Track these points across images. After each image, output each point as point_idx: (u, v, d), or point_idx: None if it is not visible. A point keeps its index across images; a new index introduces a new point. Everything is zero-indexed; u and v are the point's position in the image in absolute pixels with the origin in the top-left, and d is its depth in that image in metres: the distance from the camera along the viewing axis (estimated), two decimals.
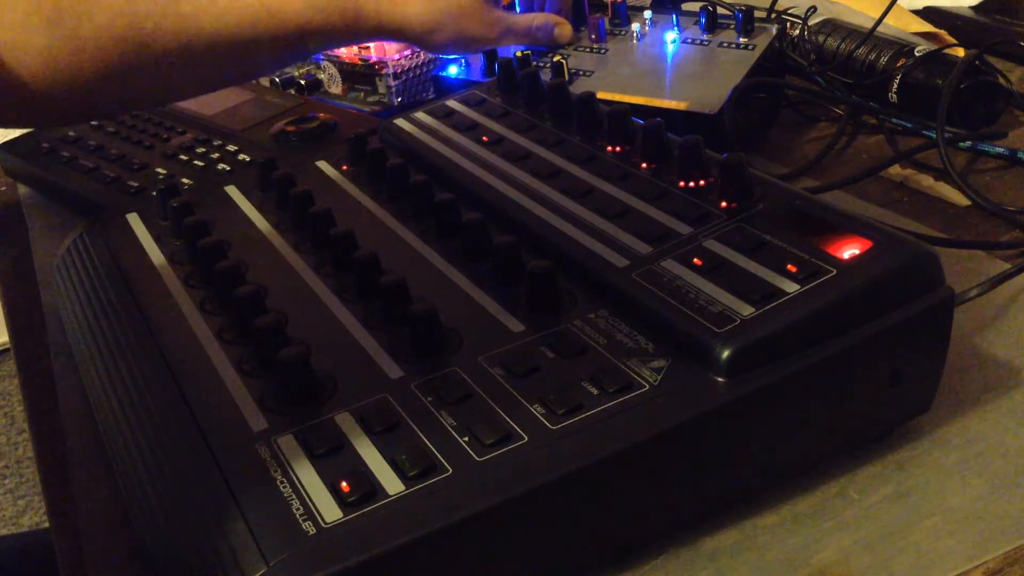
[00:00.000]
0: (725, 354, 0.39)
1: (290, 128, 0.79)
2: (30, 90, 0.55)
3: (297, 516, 0.35)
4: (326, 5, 0.62)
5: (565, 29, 0.81)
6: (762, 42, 0.77)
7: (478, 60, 0.83)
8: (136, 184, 0.75)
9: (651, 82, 0.76)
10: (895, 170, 0.73)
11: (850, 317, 0.41)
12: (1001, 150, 0.74)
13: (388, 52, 0.90)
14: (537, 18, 0.80)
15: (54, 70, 0.55)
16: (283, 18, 0.59)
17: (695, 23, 0.80)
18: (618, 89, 0.75)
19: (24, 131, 0.88)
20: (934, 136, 0.73)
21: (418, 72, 0.92)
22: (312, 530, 0.34)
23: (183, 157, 0.78)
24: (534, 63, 0.76)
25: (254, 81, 1.02)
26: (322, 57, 0.94)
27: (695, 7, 0.82)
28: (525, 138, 0.60)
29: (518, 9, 0.86)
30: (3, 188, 0.88)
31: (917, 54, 0.81)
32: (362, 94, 0.93)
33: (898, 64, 0.82)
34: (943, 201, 0.69)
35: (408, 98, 0.91)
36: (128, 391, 0.46)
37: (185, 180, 0.74)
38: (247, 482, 0.37)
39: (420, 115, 0.66)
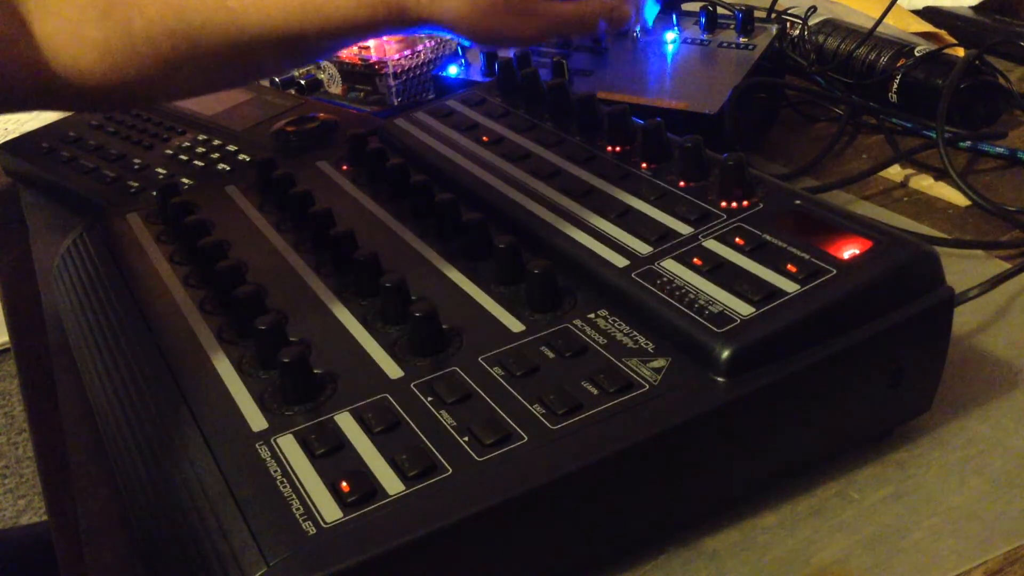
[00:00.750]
0: (725, 354, 0.39)
1: (290, 128, 0.79)
2: (87, 81, 0.57)
3: (297, 516, 0.35)
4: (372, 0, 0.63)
5: (624, 10, 0.71)
6: (762, 42, 0.77)
7: (478, 60, 0.83)
8: (136, 184, 0.75)
9: (651, 82, 0.76)
10: (895, 170, 0.73)
11: (850, 317, 0.41)
12: (1001, 150, 0.74)
13: (388, 52, 0.90)
14: (590, 3, 0.70)
15: (110, 63, 0.57)
16: (329, 13, 0.60)
17: (695, 23, 0.80)
18: (618, 89, 0.75)
19: (24, 131, 0.88)
20: (934, 136, 0.73)
21: (418, 72, 0.92)
22: (312, 530, 0.34)
23: (183, 157, 0.78)
24: (534, 63, 0.76)
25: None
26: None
27: (695, 7, 0.82)
28: (525, 138, 0.60)
29: None
30: (3, 188, 0.88)
31: (917, 54, 0.81)
32: (362, 94, 0.93)
33: (898, 64, 0.82)
34: (943, 201, 0.69)
35: (408, 98, 0.91)
36: (128, 391, 0.46)
37: (185, 180, 0.74)
38: (247, 482, 0.37)
39: (420, 115, 0.66)
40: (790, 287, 0.41)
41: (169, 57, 0.58)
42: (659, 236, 0.47)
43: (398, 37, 0.93)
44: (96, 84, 0.57)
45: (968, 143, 0.76)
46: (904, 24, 0.95)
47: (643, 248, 0.46)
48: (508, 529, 0.36)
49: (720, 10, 0.83)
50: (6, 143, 0.88)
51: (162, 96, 0.69)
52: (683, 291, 0.43)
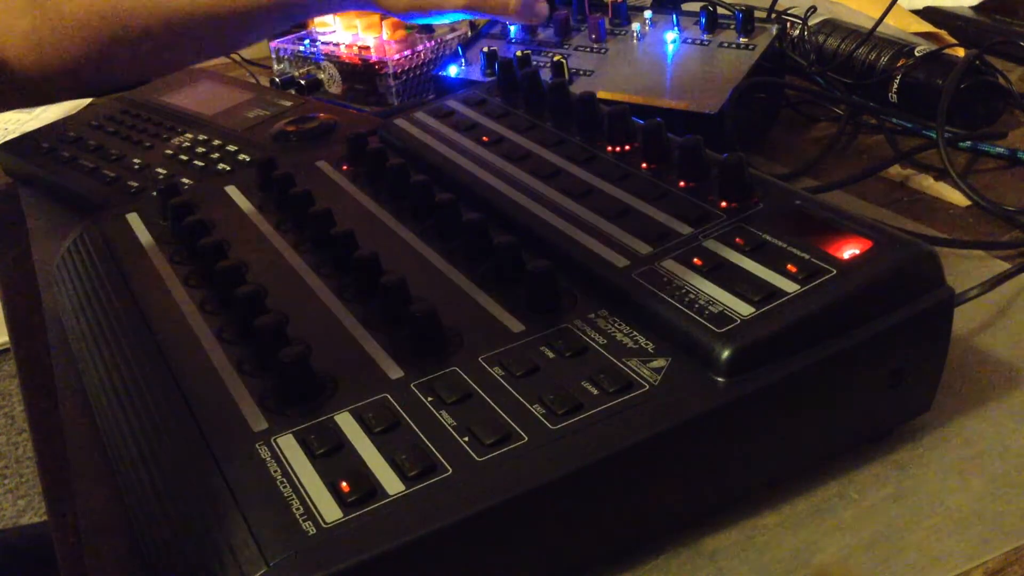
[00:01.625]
0: (725, 354, 0.39)
1: (290, 128, 0.79)
2: (18, 72, 0.56)
3: (297, 516, 0.35)
4: None
5: (542, 6, 0.71)
6: (762, 42, 0.77)
7: (478, 60, 0.83)
8: (136, 184, 0.75)
9: (651, 82, 0.76)
10: (895, 170, 0.73)
11: (850, 317, 0.41)
12: (1001, 150, 0.74)
13: (388, 52, 0.90)
14: None
15: (40, 51, 0.56)
16: None
17: (695, 23, 0.81)
18: (618, 89, 0.75)
19: (24, 131, 0.88)
20: (934, 136, 0.73)
21: (418, 72, 0.92)
22: (312, 530, 0.34)
23: (183, 157, 0.78)
24: (534, 63, 0.76)
25: (254, 81, 1.02)
26: (322, 57, 0.94)
27: (695, 7, 0.82)
28: (525, 138, 0.60)
29: None
30: (3, 188, 0.88)
31: (917, 54, 0.81)
32: (362, 94, 0.93)
33: (898, 64, 0.82)
34: (943, 201, 0.69)
35: (408, 98, 0.91)
36: (128, 391, 0.46)
37: (185, 180, 0.74)
38: (247, 482, 0.37)
39: (420, 115, 0.66)
40: (790, 287, 0.41)
41: (100, 42, 0.57)
42: (659, 236, 0.47)
43: (398, 37, 0.93)
44: (29, 74, 0.56)
45: (968, 143, 0.76)
46: (904, 24, 0.95)
47: (643, 248, 0.46)
48: (508, 529, 0.36)
49: (720, 10, 0.83)
50: (6, 143, 0.88)
51: (96, 85, 0.68)
52: (683, 291, 0.43)
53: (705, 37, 0.79)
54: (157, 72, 0.69)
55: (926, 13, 1.02)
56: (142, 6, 0.57)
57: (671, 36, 0.80)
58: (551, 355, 0.42)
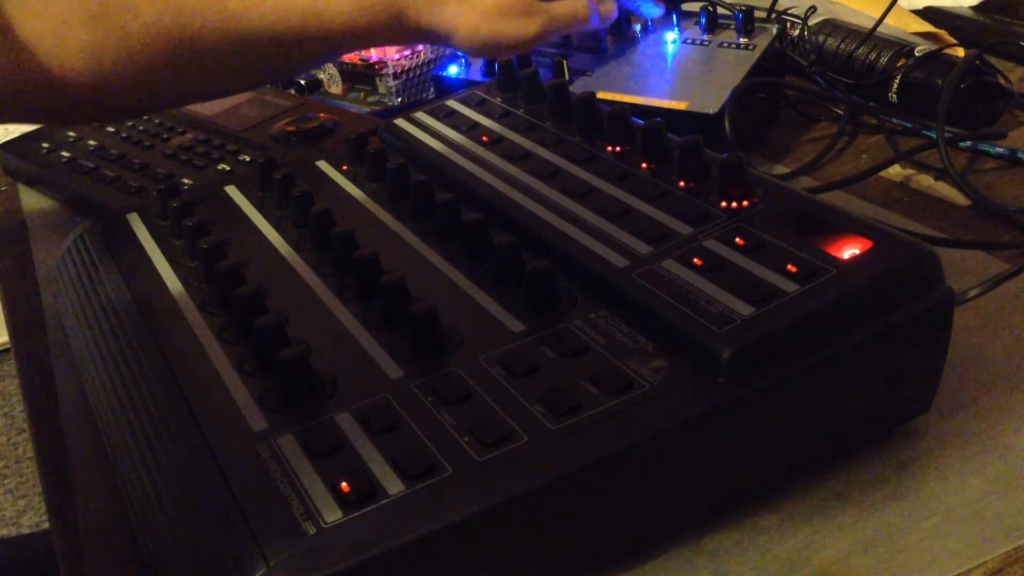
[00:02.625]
0: (725, 354, 0.39)
1: (290, 128, 0.79)
2: (70, 86, 0.55)
3: (297, 516, 0.35)
4: (372, 6, 0.62)
5: (609, 5, 0.73)
6: (762, 42, 0.77)
7: (478, 60, 0.83)
8: (136, 184, 0.75)
9: (651, 82, 0.76)
10: (895, 170, 0.73)
11: (850, 317, 0.41)
12: (1001, 150, 0.74)
13: (388, 52, 0.90)
14: (578, 1, 0.71)
15: (99, 66, 0.55)
16: (330, 19, 0.60)
17: (695, 23, 0.81)
18: (618, 89, 0.75)
19: (26, 131, 0.88)
20: (934, 136, 0.73)
21: (418, 72, 0.92)
22: (312, 530, 0.34)
23: (183, 157, 0.78)
24: (534, 63, 0.76)
25: None
26: None
27: (695, 7, 0.82)
28: (525, 138, 0.60)
29: None
30: (3, 188, 0.88)
31: (917, 54, 0.81)
32: (362, 94, 0.93)
33: (898, 64, 0.82)
34: (943, 201, 0.69)
35: (408, 98, 0.91)
36: (128, 391, 0.46)
37: (185, 180, 0.74)
38: (247, 482, 0.37)
39: (420, 115, 0.66)
40: (790, 287, 0.41)
41: (162, 61, 0.56)
42: (659, 236, 0.47)
43: None
44: (85, 89, 0.55)
45: (968, 143, 0.76)
46: (904, 24, 0.95)
47: (643, 248, 0.46)
48: (508, 529, 0.36)
49: (720, 10, 0.83)
50: (6, 143, 0.88)
51: (156, 103, 0.67)
52: (683, 291, 0.43)
53: (705, 37, 0.79)
54: (220, 93, 0.69)
55: (926, 13, 1.02)
56: (211, 27, 0.56)
57: (671, 36, 0.80)
58: (551, 355, 0.42)
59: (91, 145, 0.83)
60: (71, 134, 0.85)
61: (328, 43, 0.62)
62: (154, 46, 0.55)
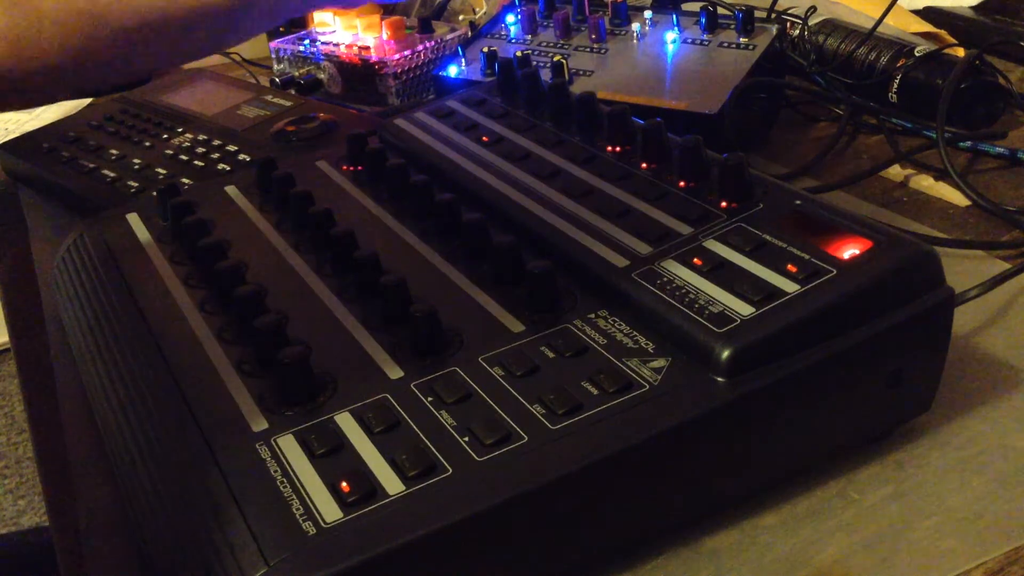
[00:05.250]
0: (725, 354, 0.39)
1: (290, 128, 0.79)
2: None
3: (297, 516, 0.35)
4: None
5: None
6: (762, 42, 0.77)
7: (478, 60, 0.83)
8: (136, 184, 0.75)
9: (651, 82, 0.76)
10: (895, 170, 0.73)
11: (850, 317, 0.41)
12: (1001, 150, 0.74)
13: (388, 52, 0.90)
14: None
15: (18, 50, 0.55)
16: None
17: (695, 23, 0.81)
18: (618, 89, 0.75)
19: (24, 131, 0.88)
20: (934, 136, 0.73)
21: (418, 72, 0.92)
22: (312, 530, 0.34)
23: (183, 157, 0.78)
24: (534, 63, 0.76)
25: (254, 81, 1.02)
26: (322, 57, 0.94)
27: (695, 7, 0.82)
28: (525, 138, 0.60)
29: None
30: (3, 188, 0.88)
31: (917, 54, 0.81)
32: (362, 94, 0.93)
33: (898, 64, 0.82)
34: (943, 201, 0.69)
35: (408, 98, 0.91)
36: (128, 391, 0.46)
37: (185, 180, 0.74)
38: (247, 482, 0.37)
39: (420, 115, 0.66)
40: (790, 287, 0.41)
41: (78, 40, 0.56)
42: (659, 236, 0.47)
43: (398, 37, 0.93)
44: (6, 75, 0.55)
45: (968, 143, 0.76)
46: (904, 24, 0.95)
47: (643, 248, 0.46)
48: (508, 529, 0.36)
49: (720, 10, 0.83)
50: (6, 143, 0.88)
51: (77, 84, 0.66)
52: (683, 291, 0.43)
53: (705, 37, 0.79)
54: (139, 72, 0.69)
55: (926, 13, 1.02)
56: (120, 3, 0.57)
57: (671, 36, 0.80)
58: (551, 355, 0.42)
59: (91, 145, 0.83)
60: (71, 134, 0.85)
61: (242, 10, 0.61)
62: (67, 25, 0.55)
